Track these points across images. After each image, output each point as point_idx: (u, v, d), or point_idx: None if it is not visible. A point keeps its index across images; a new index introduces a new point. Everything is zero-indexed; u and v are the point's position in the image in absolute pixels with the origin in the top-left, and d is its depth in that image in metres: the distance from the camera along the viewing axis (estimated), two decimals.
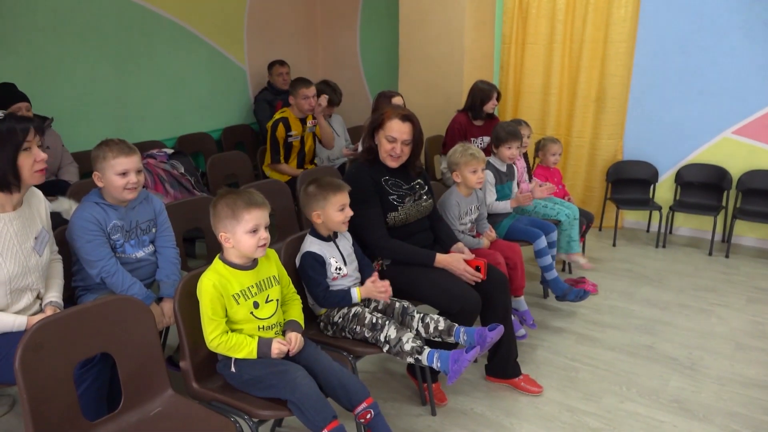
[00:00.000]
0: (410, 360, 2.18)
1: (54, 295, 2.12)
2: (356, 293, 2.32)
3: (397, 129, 2.59)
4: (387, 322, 2.22)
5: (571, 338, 3.24)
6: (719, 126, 4.63)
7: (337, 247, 2.39)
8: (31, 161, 1.93)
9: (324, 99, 4.25)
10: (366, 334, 2.24)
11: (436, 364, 2.15)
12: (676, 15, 4.58)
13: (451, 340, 2.30)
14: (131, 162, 2.26)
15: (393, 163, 2.64)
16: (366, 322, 2.25)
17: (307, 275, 2.31)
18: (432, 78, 4.98)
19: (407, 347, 2.16)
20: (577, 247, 3.72)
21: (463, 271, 2.58)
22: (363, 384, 1.98)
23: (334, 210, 2.30)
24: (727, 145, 4.62)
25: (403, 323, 2.34)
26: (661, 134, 4.86)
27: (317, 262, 2.31)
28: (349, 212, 2.34)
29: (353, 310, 2.31)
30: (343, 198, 2.32)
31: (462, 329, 2.29)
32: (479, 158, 2.97)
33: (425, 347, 2.18)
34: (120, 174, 2.24)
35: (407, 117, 2.62)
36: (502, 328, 2.29)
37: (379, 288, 2.31)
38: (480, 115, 4.29)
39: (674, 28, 4.61)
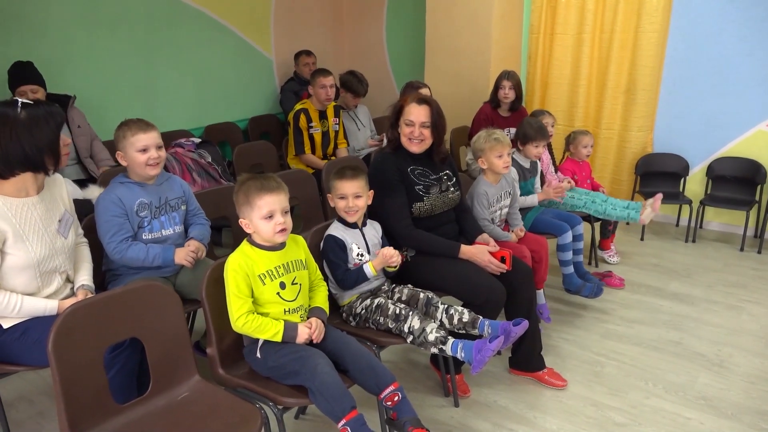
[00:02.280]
0: (434, 350, 2.18)
1: (84, 278, 2.18)
2: (369, 268, 2.32)
3: (413, 112, 2.59)
4: (411, 313, 2.22)
5: (597, 332, 3.21)
6: (753, 118, 4.51)
7: (363, 235, 2.40)
8: (62, 143, 2.01)
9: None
10: (390, 325, 2.24)
11: (460, 354, 2.14)
12: (711, 4, 4.46)
13: (475, 332, 2.29)
14: (150, 138, 2.33)
15: (415, 148, 2.62)
16: (389, 313, 2.25)
17: (329, 258, 2.34)
18: (458, 68, 4.94)
19: (431, 337, 2.16)
20: (635, 213, 3.62)
21: (488, 263, 2.56)
22: (389, 369, 1.99)
23: (337, 200, 2.35)
24: (762, 138, 4.50)
25: (427, 314, 2.34)
26: (692, 126, 4.76)
27: (338, 245, 2.33)
28: (354, 203, 2.33)
29: (376, 301, 2.32)
30: (341, 186, 2.33)
31: (486, 322, 2.28)
32: (504, 142, 2.94)
33: (449, 337, 2.17)
34: (141, 150, 2.30)
35: (423, 100, 2.63)
36: (527, 323, 2.26)
37: (390, 254, 2.31)
38: (498, 104, 4.26)
39: (708, 17, 4.49)
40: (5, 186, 1.95)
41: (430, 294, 2.40)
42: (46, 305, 1.98)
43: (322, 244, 2.37)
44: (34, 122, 1.91)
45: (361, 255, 2.36)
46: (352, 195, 2.33)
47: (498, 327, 2.24)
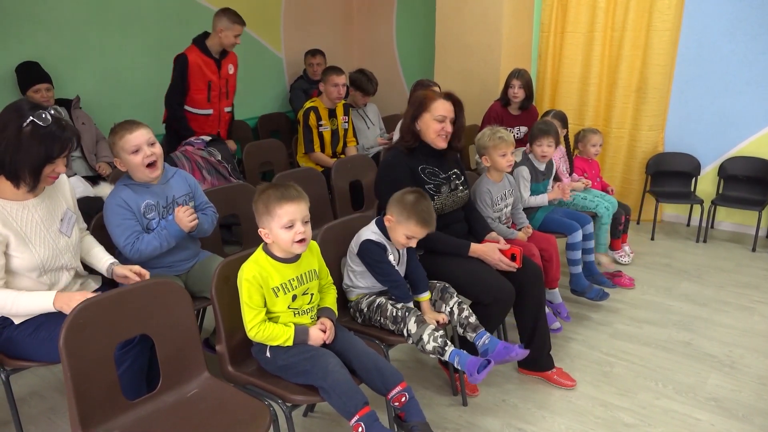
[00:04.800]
0: (432, 356, 2.21)
1: (108, 258, 2.20)
2: (418, 301, 2.33)
3: (444, 108, 2.61)
4: (408, 314, 2.22)
5: (607, 332, 3.19)
6: (766, 118, 4.47)
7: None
8: (51, 170, 1.95)
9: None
10: (390, 327, 2.25)
11: (457, 365, 2.17)
12: (723, 2, 4.42)
13: (471, 337, 2.32)
14: (137, 137, 2.26)
15: (443, 143, 2.64)
16: (388, 314, 2.25)
17: (373, 260, 2.29)
18: (468, 67, 4.93)
19: (429, 347, 2.17)
20: (603, 249, 3.79)
21: (498, 261, 2.56)
22: (396, 369, 1.99)
23: (404, 233, 2.27)
24: None
25: (443, 299, 2.37)
26: (704, 125, 4.72)
27: (379, 247, 2.30)
28: (414, 243, 2.31)
29: (377, 300, 2.32)
30: (420, 233, 2.27)
31: (485, 335, 2.30)
32: (508, 141, 2.92)
33: (447, 348, 2.17)
34: (133, 152, 2.26)
35: (449, 96, 2.67)
36: (527, 353, 2.30)
37: (438, 319, 2.31)
38: (508, 103, 4.25)
39: (721, 15, 4.45)
40: (5, 190, 1.95)
41: (446, 284, 2.43)
42: (43, 303, 1.93)
43: (356, 248, 2.33)
44: (28, 141, 1.86)
45: (394, 265, 2.36)
46: (419, 239, 2.31)
47: (497, 344, 2.27)
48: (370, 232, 2.34)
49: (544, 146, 3.37)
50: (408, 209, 2.24)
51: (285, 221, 1.88)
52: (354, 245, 2.35)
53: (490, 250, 2.57)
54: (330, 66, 4.35)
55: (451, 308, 2.35)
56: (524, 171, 3.32)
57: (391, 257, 2.33)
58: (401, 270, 2.39)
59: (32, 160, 1.89)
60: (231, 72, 4.14)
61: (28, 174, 1.91)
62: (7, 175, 1.92)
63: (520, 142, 3.89)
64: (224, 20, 3.90)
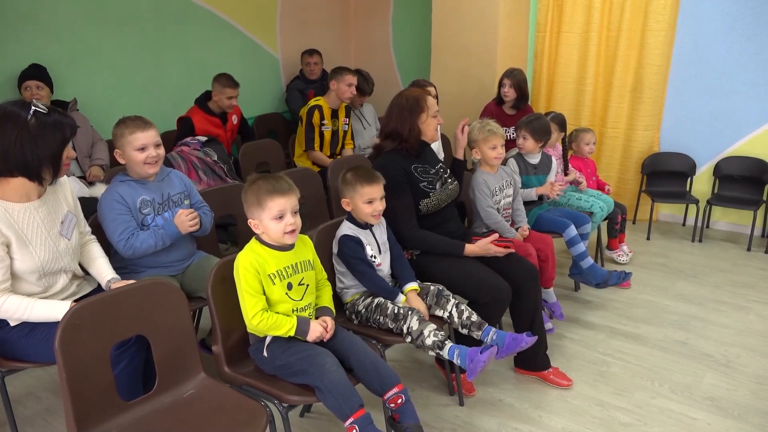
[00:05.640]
0: (431, 353, 2.20)
1: (109, 273, 2.19)
2: (402, 299, 2.31)
3: (435, 103, 2.73)
4: (410, 313, 2.22)
5: (603, 332, 3.20)
6: (761, 117, 4.48)
7: (374, 235, 2.39)
8: (65, 155, 1.98)
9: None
10: (390, 325, 2.25)
11: (456, 360, 2.16)
12: (718, 2, 4.44)
13: (477, 335, 2.31)
14: (148, 137, 2.30)
15: (438, 136, 2.75)
16: (388, 312, 2.25)
17: (349, 256, 2.31)
18: (465, 67, 4.93)
19: (429, 341, 2.17)
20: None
21: (493, 250, 2.58)
22: (393, 370, 1.99)
23: (361, 201, 2.30)
24: None
25: (438, 304, 2.36)
26: (699, 125, 4.73)
27: (354, 241, 2.31)
28: (380, 206, 2.32)
29: (376, 300, 2.32)
30: (372, 191, 2.29)
31: (492, 330, 2.30)
32: (498, 134, 2.95)
33: (446, 342, 2.18)
34: (138, 149, 2.29)
35: (430, 88, 2.81)
36: (535, 339, 2.29)
37: (424, 312, 2.31)
38: (502, 102, 4.26)
39: (716, 15, 4.47)
40: (7, 191, 1.94)
41: (441, 286, 2.42)
42: (57, 313, 1.92)
43: (336, 247, 2.35)
44: (41, 131, 1.89)
45: (374, 256, 2.36)
46: (380, 198, 2.32)
47: (505, 337, 2.26)
48: (345, 228, 2.37)
49: (520, 139, 3.41)
50: (349, 180, 2.32)
51: (275, 212, 1.91)
52: (335, 246, 2.37)
53: (483, 249, 2.58)
54: (341, 66, 4.32)
55: (450, 312, 2.35)
56: (511, 162, 3.35)
57: (368, 248, 2.34)
58: (386, 260, 2.40)
59: (51, 147, 1.92)
60: (235, 122, 4.38)
61: (51, 163, 1.94)
62: (30, 175, 1.93)
63: (513, 143, 3.87)
64: (216, 85, 4.12)
